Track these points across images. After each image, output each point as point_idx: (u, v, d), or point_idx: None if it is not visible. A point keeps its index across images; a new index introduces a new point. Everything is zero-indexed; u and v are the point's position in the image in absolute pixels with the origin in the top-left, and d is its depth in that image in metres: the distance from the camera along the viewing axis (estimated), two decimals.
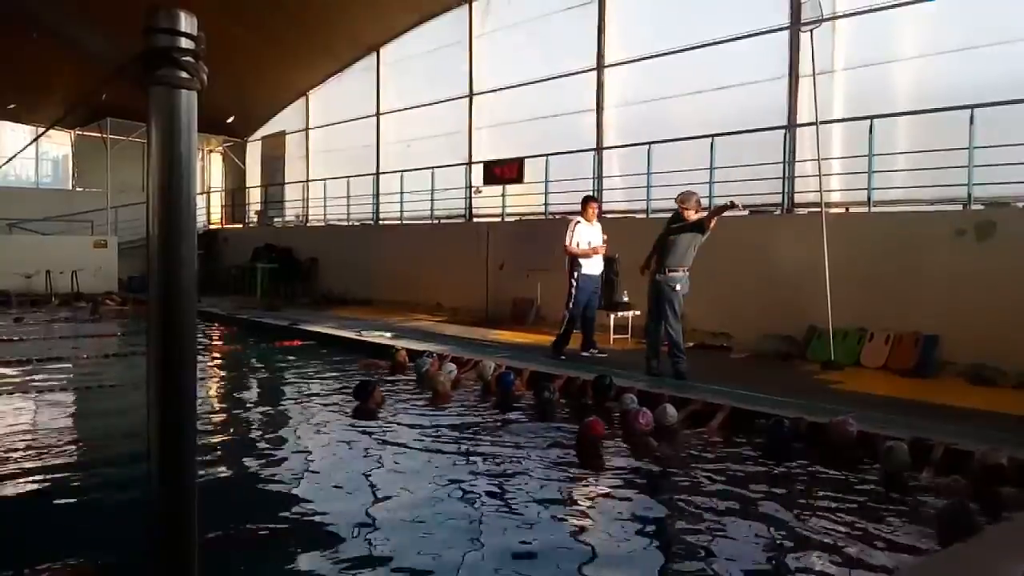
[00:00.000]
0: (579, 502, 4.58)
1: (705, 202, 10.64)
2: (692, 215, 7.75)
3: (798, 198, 10.28)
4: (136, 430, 4.71)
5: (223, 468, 5.27)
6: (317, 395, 7.60)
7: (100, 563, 3.54)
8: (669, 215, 8.22)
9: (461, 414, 6.67)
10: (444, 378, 7.43)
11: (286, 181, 22.23)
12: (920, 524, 4.02)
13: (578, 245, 9.08)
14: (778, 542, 3.92)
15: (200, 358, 9.82)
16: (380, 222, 17.91)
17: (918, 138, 9.11)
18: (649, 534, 4.10)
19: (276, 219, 22.50)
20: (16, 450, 5.49)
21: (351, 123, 19.53)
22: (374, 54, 18.43)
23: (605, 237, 9.28)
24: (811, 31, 8.85)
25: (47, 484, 4.83)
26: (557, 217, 12.95)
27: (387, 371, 8.57)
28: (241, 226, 23.98)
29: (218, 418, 6.87)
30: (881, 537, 3.88)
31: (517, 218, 14.08)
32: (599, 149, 13.08)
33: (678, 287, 7.67)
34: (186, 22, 1.57)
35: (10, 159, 21.05)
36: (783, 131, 10.33)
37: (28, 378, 8.31)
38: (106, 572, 3.48)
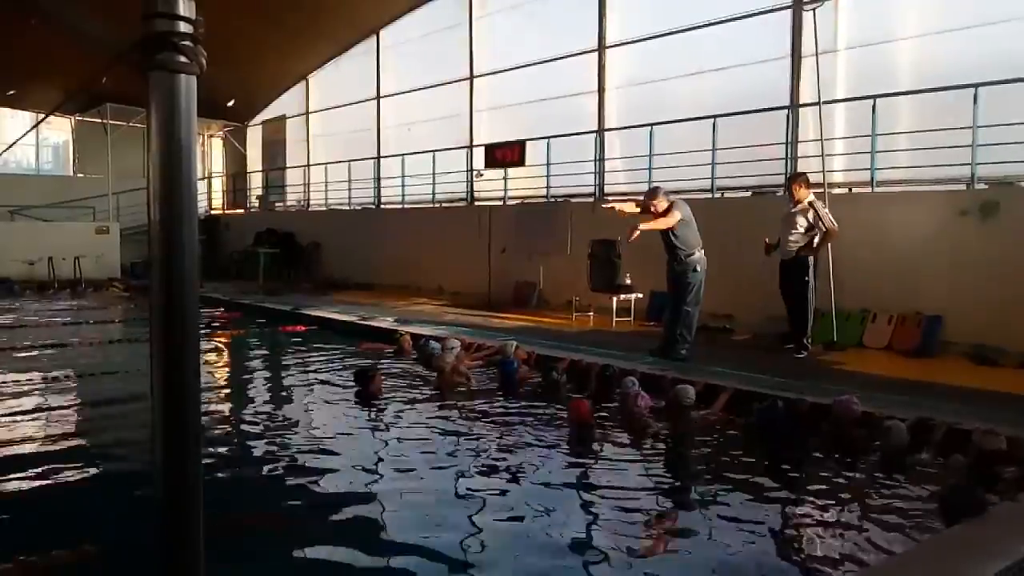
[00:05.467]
0: (576, 484, 4.59)
1: (707, 183, 10.70)
2: (662, 207, 7.76)
3: None
4: (139, 415, 4.74)
5: (226, 453, 5.29)
6: (320, 380, 7.62)
7: (106, 548, 3.56)
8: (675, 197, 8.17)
9: (466, 398, 6.68)
10: (450, 362, 7.43)
11: (287, 166, 22.19)
12: (924, 504, 4.03)
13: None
14: (779, 523, 3.93)
15: (202, 343, 9.83)
16: (381, 206, 17.88)
17: (921, 118, 9.05)
18: (645, 518, 4.12)
19: (277, 204, 22.47)
20: (21, 436, 5.52)
21: (351, 107, 19.45)
22: (374, 37, 18.32)
23: (831, 217, 7.97)
24: (814, 10, 8.79)
25: (51, 470, 4.85)
26: (559, 200, 12.94)
27: (391, 355, 8.59)
28: (242, 211, 23.95)
29: (221, 404, 6.89)
30: (885, 517, 3.89)
31: (519, 201, 14.05)
32: (600, 131, 13.03)
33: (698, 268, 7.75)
34: (185, 6, 1.56)
35: (10, 145, 21.00)
36: (785, 111, 10.27)
37: (32, 362, 8.35)
38: (112, 557, 3.50)
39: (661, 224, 7.68)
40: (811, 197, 8.09)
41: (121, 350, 9.94)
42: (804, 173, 8.47)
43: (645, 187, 11.63)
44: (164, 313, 1.59)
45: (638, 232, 7.66)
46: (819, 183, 9.00)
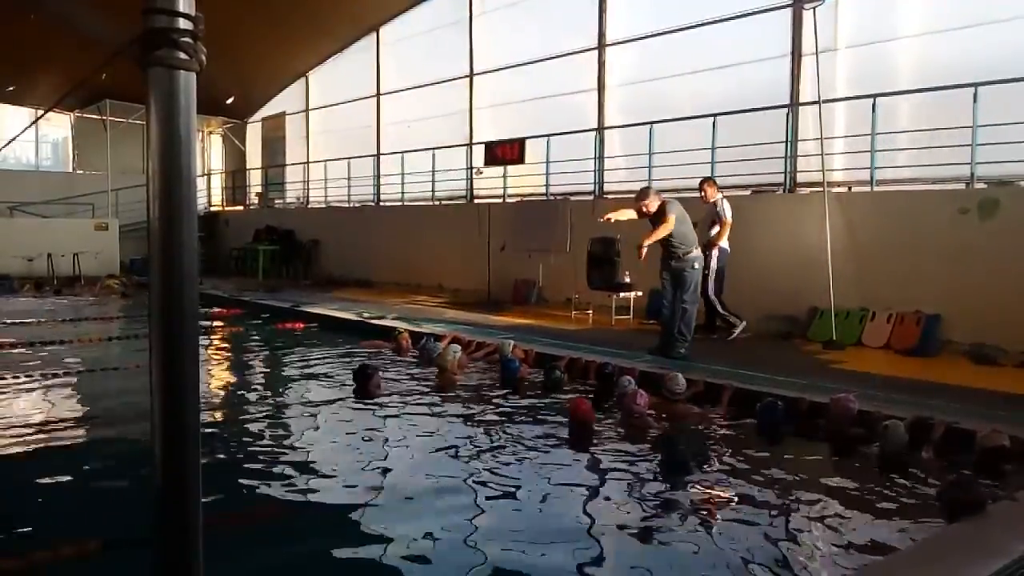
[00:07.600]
0: (577, 483, 4.58)
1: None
2: (653, 207, 7.79)
3: (800, 177, 10.24)
4: (139, 412, 4.73)
5: (225, 450, 5.29)
6: (318, 377, 7.61)
7: (106, 543, 3.56)
8: (667, 196, 8.17)
9: (465, 396, 6.68)
10: (450, 360, 7.42)
11: (287, 163, 22.18)
12: (923, 502, 4.03)
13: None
14: (778, 522, 3.93)
15: (202, 340, 9.83)
16: (381, 203, 17.87)
17: (921, 116, 9.06)
18: (645, 518, 4.12)
19: (277, 201, 22.47)
20: (23, 431, 5.52)
21: (351, 104, 19.44)
22: (374, 34, 18.31)
23: (728, 213, 9.10)
24: (814, 9, 8.81)
25: (50, 465, 4.85)
26: (558, 198, 12.93)
27: (390, 353, 8.59)
28: (242, 208, 23.94)
29: (220, 400, 6.89)
30: (884, 516, 3.90)
31: (518, 199, 14.04)
32: (600, 129, 13.02)
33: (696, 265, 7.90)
34: (185, 2, 1.56)
35: (9, 142, 20.92)
36: (785, 110, 10.27)
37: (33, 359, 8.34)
38: (112, 550, 3.50)
39: (662, 232, 7.74)
40: (718, 196, 9.10)
41: (114, 346, 9.93)
42: (712, 176, 9.43)
43: (644, 185, 11.70)
44: (164, 310, 1.59)
45: (645, 249, 7.77)
46: (819, 181, 9.01)
